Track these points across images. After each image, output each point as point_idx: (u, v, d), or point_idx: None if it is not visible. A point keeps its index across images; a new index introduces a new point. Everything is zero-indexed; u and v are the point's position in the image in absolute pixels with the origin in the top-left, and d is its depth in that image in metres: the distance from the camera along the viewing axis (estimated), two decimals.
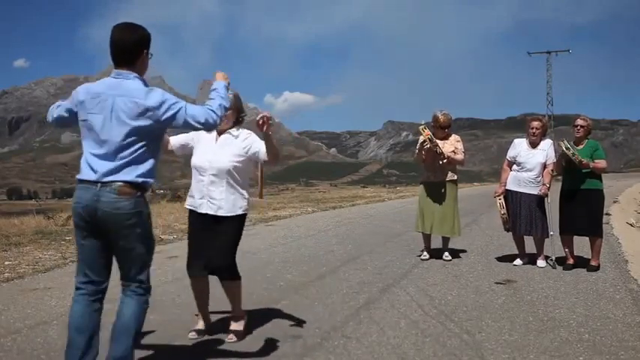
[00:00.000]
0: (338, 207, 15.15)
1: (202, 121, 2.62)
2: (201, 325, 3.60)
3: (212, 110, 2.66)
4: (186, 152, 3.54)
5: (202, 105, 2.70)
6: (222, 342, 3.47)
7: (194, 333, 3.54)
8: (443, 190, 6.09)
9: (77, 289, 2.70)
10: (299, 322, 3.80)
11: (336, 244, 7.66)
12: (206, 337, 3.54)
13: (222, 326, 3.67)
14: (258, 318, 3.91)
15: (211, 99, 2.76)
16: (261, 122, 3.21)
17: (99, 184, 2.55)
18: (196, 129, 2.70)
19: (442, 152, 5.87)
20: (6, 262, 6.14)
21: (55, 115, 2.84)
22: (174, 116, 2.60)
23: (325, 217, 11.97)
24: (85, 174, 2.60)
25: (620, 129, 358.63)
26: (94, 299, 2.69)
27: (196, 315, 3.66)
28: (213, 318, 3.75)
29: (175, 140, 3.53)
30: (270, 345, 3.38)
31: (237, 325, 3.57)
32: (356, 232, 9.15)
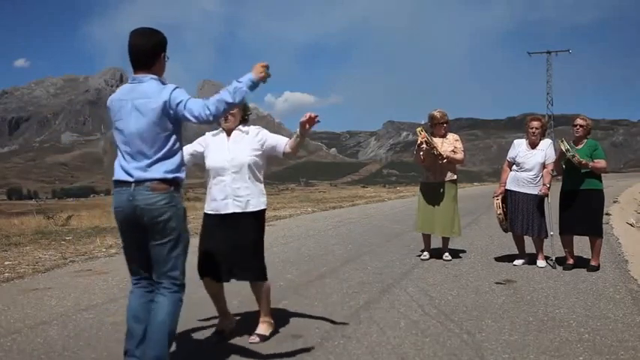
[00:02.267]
0: (338, 207, 15.16)
1: (196, 114, 2.62)
2: (224, 324, 3.58)
3: (207, 106, 2.62)
4: (198, 161, 3.53)
5: (206, 98, 2.72)
6: (222, 342, 3.47)
7: (215, 335, 3.52)
8: (442, 190, 6.09)
9: (133, 283, 2.83)
10: (299, 322, 3.80)
11: (336, 244, 7.66)
12: (206, 337, 3.54)
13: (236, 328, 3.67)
14: (258, 318, 3.91)
15: (220, 92, 2.72)
16: (308, 119, 3.21)
17: (132, 185, 2.65)
18: (192, 122, 2.68)
19: (440, 154, 5.89)
20: (6, 262, 6.15)
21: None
22: (176, 108, 2.66)
23: (325, 217, 11.97)
24: (118, 175, 2.71)
25: (620, 129, 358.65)
26: (148, 290, 2.80)
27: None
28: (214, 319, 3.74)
29: (184, 151, 3.50)
30: (270, 345, 3.38)
31: (264, 330, 3.52)
32: (356, 232, 9.15)
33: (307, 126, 3.25)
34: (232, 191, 3.37)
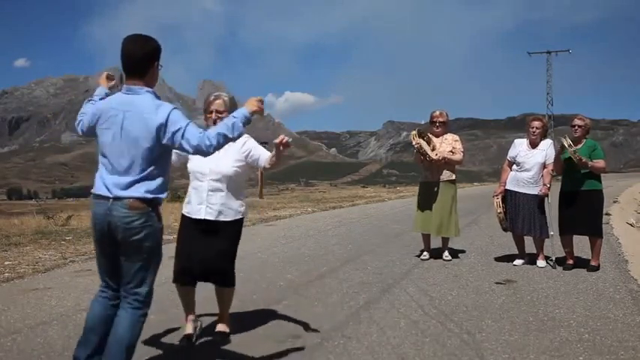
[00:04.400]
0: (338, 207, 15.16)
1: (195, 144, 2.54)
2: (189, 329, 3.52)
3: (208, 137, 2.55)
4: (183, 161, 3.49)
5: (202, 130, 2.65)
6: (223, 342, 3.47)
7: (184, 339, 3.46)
8: (441, 190, 6.09)
9: (100, 290, 2.76)
10: (299, 322, 3.80)
11: (336, 244, 7.66)
12: (206, 338, 3.54)
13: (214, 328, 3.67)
14: (258, 318, 3.92)
15: (218, 125, 2.68)
16: (281, 143, 3.20)
17: (110, 199, 2.57)
18: (189, 152, 2.60)
19: (432, 159, 5.91)
20: (6, 262, 6.15)
21: (82, 129, 2.87)
22: (173, 135, 2.56)
23: (325, 217, 11.97)
24: (98, 188, 2.63)
25: (620, 129, 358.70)
26: (112, 303, 2.72)
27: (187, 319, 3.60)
28: (207, 320, 3.74)
29: None
30: (270, 345, 3.38)
31: (223, 327, 3.54)
32: (356, 232, 9.15)
33: (282, 148, 3.23)
34: (207, 198, 3.36)
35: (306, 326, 3.72)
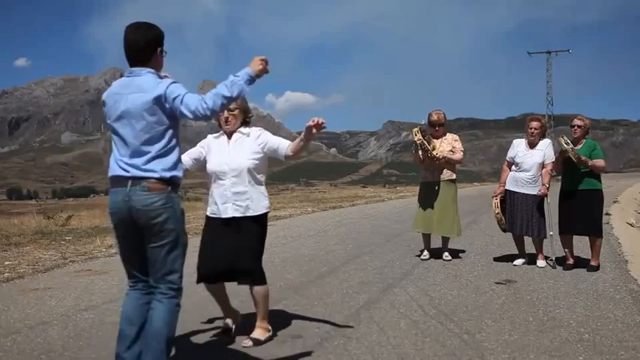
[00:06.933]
0: (338, 207, 15.16)
1: (192, 108, 2.52)
2: (229, 322, 3.56)
3: (204, 100, 2.51)
4: (202, 165, 3.49)
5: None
6: (222, 342, 3.47)
7: (224, 334, 3.50)
8: (441, 190, 6.09)
9: (129, 285, 2.76)
10: (299, 322, 3.80)
11: (336, 244, 7.66)
12: (207, 338, 3.54)
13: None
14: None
15: (217, 86, 2.63)
16: (314, 124, 3.19)
17: (129, 183, 2.57)
18: (189, 117, 2.57)
19: (434, 156, 5.90)
20: (6, 262, 6.15)
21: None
22: (173, 102, 2.57)
23: (325, 217, 11.97)
24: (114, 170, 2.64)
25: (620, 129, 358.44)
26: (145, 292, 2.72)
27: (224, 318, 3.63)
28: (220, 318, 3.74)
29: (186, 157, 3.45)
30: (270, 345, 3.38)
31: (259, 334, 3.45)
32: (356, 232, 9.15)
33: (314, 130, 3.22)
34: (232, 195, 3.35)
35: (306, 326, 3.72)
